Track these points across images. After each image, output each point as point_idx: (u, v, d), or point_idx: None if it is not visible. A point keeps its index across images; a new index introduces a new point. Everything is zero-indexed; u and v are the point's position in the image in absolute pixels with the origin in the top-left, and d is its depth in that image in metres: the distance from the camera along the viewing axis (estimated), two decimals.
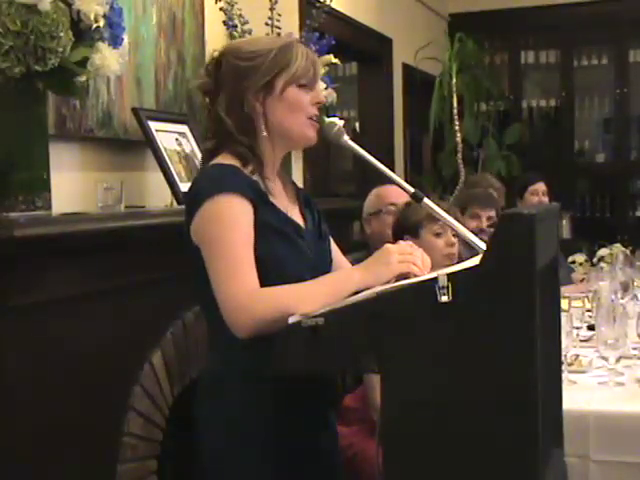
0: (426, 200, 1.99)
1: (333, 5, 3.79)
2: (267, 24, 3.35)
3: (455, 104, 5.77)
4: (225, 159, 1.84)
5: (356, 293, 1.69)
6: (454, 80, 5.75)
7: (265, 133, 1.86)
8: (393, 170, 3.25)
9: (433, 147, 6.29)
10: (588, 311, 3.12)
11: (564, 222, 6.24)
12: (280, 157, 1.93)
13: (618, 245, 4.31)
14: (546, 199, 4.67)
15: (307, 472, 1.86)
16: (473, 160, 6.06)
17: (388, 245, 1.79)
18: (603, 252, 4.25)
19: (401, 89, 5.79)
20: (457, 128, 5.74)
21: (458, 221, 2.08)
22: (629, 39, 6.65)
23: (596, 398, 2.33)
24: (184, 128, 2.86)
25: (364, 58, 5.49)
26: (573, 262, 4.45)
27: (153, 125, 2.66)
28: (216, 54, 1.91)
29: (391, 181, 2.02)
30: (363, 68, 5.62)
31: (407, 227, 2.81)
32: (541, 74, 7.02)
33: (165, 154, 2.66)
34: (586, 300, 3.12)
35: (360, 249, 3.19)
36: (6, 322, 1.91)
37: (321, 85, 3.14)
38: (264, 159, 1.87)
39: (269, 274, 1.74)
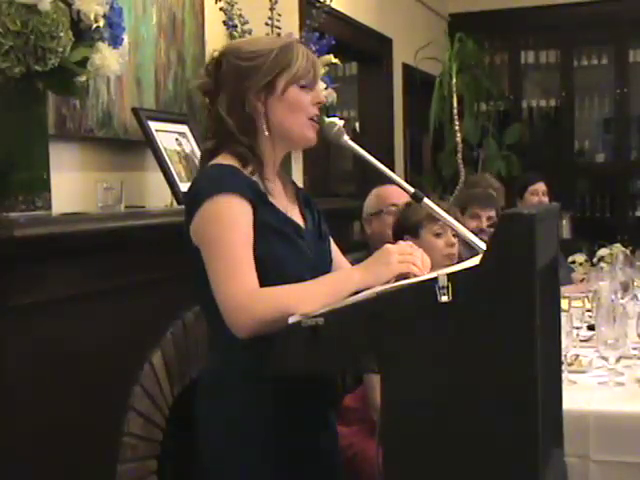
0: (426, 200, 1.99)
1: (333, 5, 3.79)
2: (267, 24, 3.35)
3: (455, 104, 5.76)
4: (225, 159, 1.84)
5: (356, 293, 1.69)
6: (454, 80, 5.75)
7: (267, 133, 1.86)
8: (393, 170, 3.25)
9: (433, 147, 6.29)
10: (588, 311, 3.12)
11: (564, 222, 6.23)
12: (280, 157, 1.93)
13: (618, 245, 4.31)
14: (546, 199, 4.67)
15: (307, 472, 1.86)
16: (473, 160, 6.06)
17: (388, 245, 1.79)
18: (603, 252, 4.25)
19: (401, 89, 5.79)
20: (457, 128, 5.74)
21: (458, 221, 2.08)
22: (629, 39, 6.65)
23: (596, 398, 2.33)
24: (184, 128, 2.86)
25: (364, 58, 5.49)
26: (573, 262, 4.45)
27: (153, 125, 2.66)
28: (216, 54, 1.91)
29: (391, 181, 2.01)
30: (363, 68, 5.62)
31: (407, 227, 2.81)
32: (541, 74, 7.02)
33: (165, 154, 2.66)
34: (586, 300, 3.12)
35: (360, 249, 3.19)
36: (6, 322, 1.91)
37: (321, 85, 3.14)
38: (264, 159, 1.87)
39: (269, 274, 1.74)
